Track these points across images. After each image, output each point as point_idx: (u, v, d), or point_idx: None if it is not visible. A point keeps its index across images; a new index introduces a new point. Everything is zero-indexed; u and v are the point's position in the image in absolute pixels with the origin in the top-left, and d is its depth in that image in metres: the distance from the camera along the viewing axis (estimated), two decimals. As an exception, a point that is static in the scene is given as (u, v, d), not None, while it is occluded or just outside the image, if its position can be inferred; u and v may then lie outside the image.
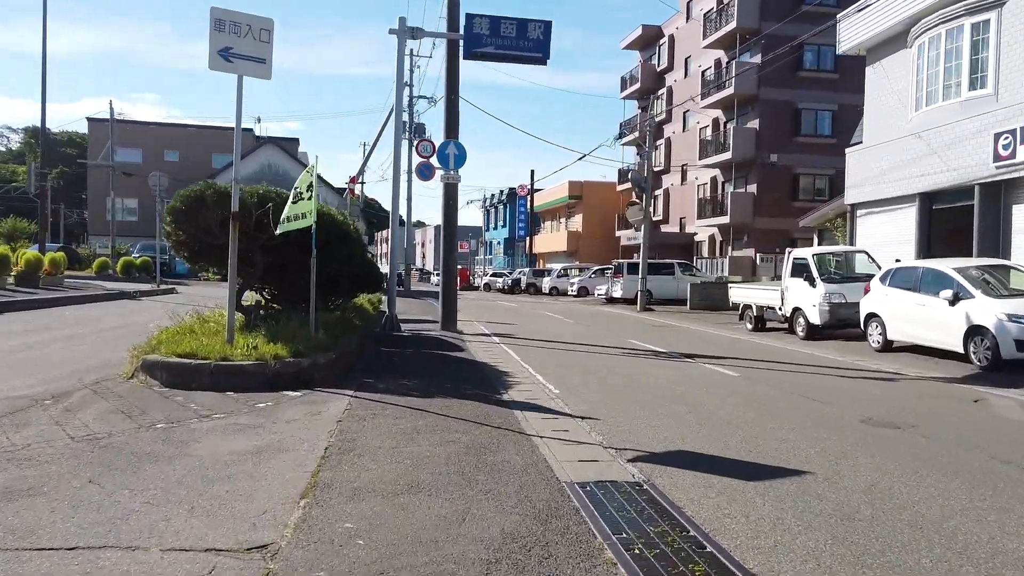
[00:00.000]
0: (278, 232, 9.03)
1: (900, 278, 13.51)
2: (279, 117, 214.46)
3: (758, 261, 35.01)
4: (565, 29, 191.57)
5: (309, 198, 8.75)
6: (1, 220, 36.46)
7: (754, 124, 37.15)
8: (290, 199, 8.93)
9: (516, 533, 3.85)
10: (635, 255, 38.49)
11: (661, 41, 48.49)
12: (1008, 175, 15.07)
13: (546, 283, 43.46)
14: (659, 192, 46.02)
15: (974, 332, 11.37)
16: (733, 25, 36.86)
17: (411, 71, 38.83)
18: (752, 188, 37.26)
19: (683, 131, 45.27)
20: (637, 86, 50.45)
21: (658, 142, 43.99)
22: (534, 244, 58.43)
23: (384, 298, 16.39)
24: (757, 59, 35.38)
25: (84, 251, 43.87)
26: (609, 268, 36.14)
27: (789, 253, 17.36)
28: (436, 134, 31.78)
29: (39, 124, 36.20)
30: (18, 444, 5.28)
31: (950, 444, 6.37)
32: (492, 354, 12.15)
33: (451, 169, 16.41)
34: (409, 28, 15.76)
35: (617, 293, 31.88)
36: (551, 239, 62.14)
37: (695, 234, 43.11)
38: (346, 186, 46.17)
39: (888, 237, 18.76)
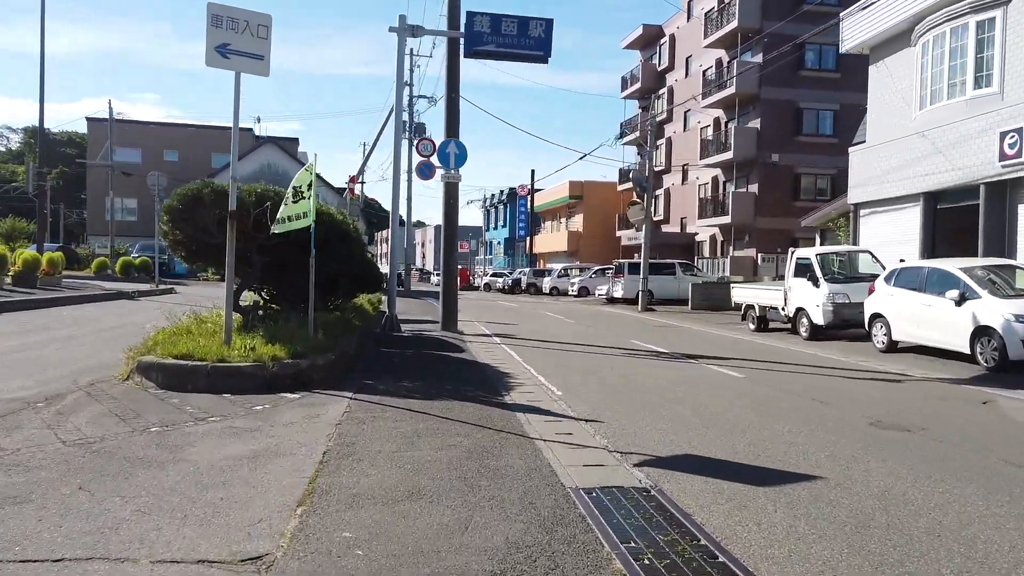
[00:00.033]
0: (274, 232, 8.89)
1: (905, 278, 13.38)
2: (279, 117, 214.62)
3: (759, 261, 34.87)
4: (565, 29, 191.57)
5: (308, 197, 8.61)
6: (0, 220, 36.30)
7: (755, 124, 37.01)
8: (288, 197, 8.78)
9: (521, 542, 3.71)
10: (636, 255, 38.37)
11: (662, 40, 48.35)
12: (1014, 174, 14.92)
13: (546, 283, 43.33)
14: (660, 192, 45.87)
15: (981, 333, 11.24)
16: (734, 24, 36.71)
17: (411, 70, 38.74)
18: (753, 188, 37.12)
19: (684, 131, 45.13)
20: (638, 86, 50.31)
21: (659, 142, 43.83)
22: (534, 244, 58.27)
23: (384, 298, 16.27)
24: (758, 58, 35.26)
25: (83, 251, 43.77)
26: (610, 268, 36.02)
27: (792, 253, 17.22)
28: (436, 134, 31.67)
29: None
30: (7, 449, 5.14)
31: (961, 447, 6.23)
32: (493, 355, 12.01)
33: (452, 168, 16.28)
34: (409, 26, 15.62)
35: (618, 293, 31.74)
36: (551, 239, 62.00)
37: (696, 234, 42.97)
38: (346, 186, 46.06)
39: (892, 237, 18.61)
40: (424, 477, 4.76)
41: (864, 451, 5.94)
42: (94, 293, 22.24)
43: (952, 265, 12.50)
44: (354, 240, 12.01)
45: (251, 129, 55.73)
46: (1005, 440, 6.58)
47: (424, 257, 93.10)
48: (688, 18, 44.34)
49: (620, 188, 52.88)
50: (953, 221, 17.16)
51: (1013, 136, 14.66)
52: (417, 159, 27.27)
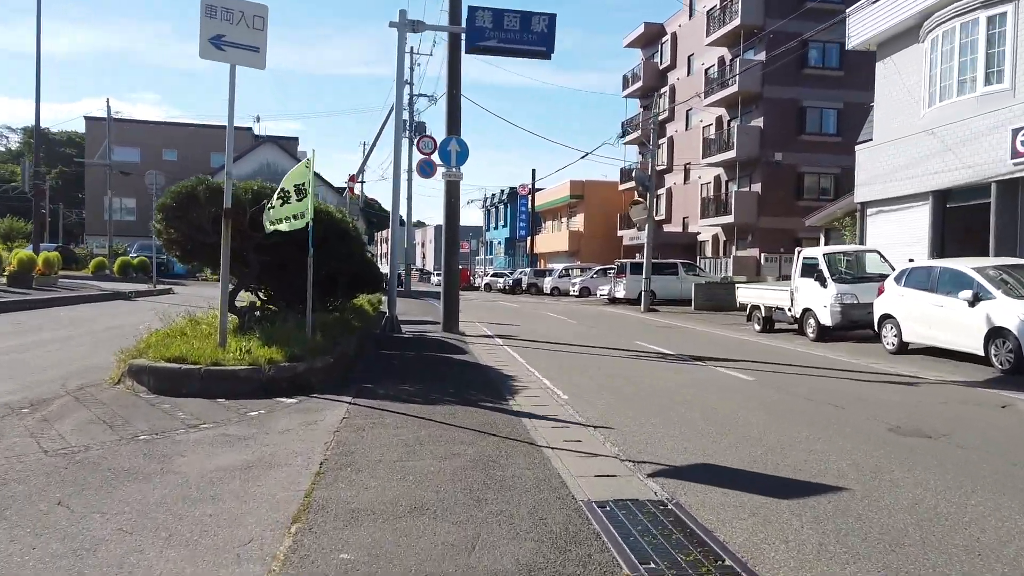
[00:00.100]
0: (268, 231, 8.61)
1: (916, 278, 13.10)
2: (278, 117, 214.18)
3: (762, 261, 34.58)
4: (566, 29, 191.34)
5: (305, 196, 8.32)
6: (-3, 220, 35.99)
7: (758, 122, 36.71)
8: (280, 193, 8.46)
9: (533, 564, 3.44)
10: (637, 255, 38.13)
11: (664, 39, 48.05)
12: (1026, 172, 14.66)
13: (547, 283, 43.05)
14: (662, 191, 45.58)
15: (995, 334, 10.96)
16: (737, 22, 36.40)
17: (411, 69, 38.46)
18: (756, 187, 36.83)
19: (686, 129, 44.84)
20: (639, 84, 50.01)
21: (661, 141, 43.58)
22: (535, 244, 57.98)
23: (384, 298, 16.00)
24: (761, 56, 34.99)
25: (81, 251, 43.53)
26: (611, 268, 35.71)
27: (799, 253, 16.94)
28: (437, 133, 31.38)
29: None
30: (-13, 459, 4.86)
31: (987, 455, 5.95)
32: (496, 357, 11.74)
33: (453, 166, 16.01)
34: (410, 21, 15.34)
35: (620, 293, 31.46)
36: (552, 239, 61.71)
37: (698, 234, 42.69)
38: (346, 185, 45.79)
39: (899, 236, 18.34)
40: (427, 490, 4.48)
41: (887, 459, 5.67)
42: (90, 293, 21.98)
43: (965, 265, 12.22)
44: (354, 239, 11.73)
45: (250, 128, 55.44)
46: (1032, 447, 6.31)
47: (424, 257, 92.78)
48: (690, 16, 44.03)
49: (621, 187, 52.59)
50: (962, 220, 16.89)
51: (1025, 133, 14.38)
52: (418, 157, 26.97)
